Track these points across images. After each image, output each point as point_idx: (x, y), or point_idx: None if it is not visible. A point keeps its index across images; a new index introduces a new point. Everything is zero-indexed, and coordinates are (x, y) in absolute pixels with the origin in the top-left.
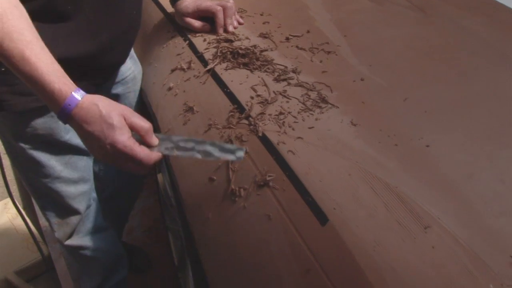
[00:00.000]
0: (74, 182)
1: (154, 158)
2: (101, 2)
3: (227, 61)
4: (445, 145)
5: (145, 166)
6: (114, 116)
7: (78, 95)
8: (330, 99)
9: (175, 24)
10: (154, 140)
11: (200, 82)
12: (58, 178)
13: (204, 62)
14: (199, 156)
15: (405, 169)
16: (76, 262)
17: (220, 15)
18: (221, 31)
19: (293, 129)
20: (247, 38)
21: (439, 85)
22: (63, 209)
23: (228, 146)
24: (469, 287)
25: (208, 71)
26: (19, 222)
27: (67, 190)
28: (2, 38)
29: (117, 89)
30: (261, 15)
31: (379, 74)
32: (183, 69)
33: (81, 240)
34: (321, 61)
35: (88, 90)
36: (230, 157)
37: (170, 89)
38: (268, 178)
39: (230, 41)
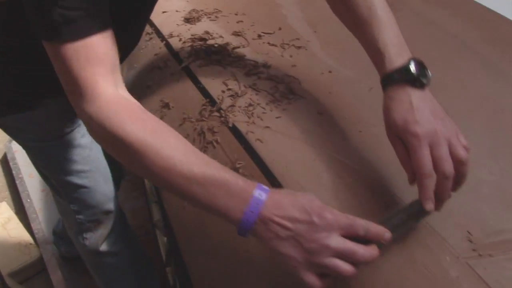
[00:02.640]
0: (104, 179)
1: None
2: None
3: (201, 59)
4: None
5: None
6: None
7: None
8: (298, 91)
9: (153, 26)
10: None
11: (176, 79)
12: (86, 171)
13: (180, 60)
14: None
15: (367, 153)
16: (104, 278)
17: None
18: (430, 206)
19: (261, 119)
20: (220, 36)
21: None
22: (97, 208)
23: (416, 209)
24: (426, 259)
25: (183, 68)
26: (11, 226)
27: (99, 186)
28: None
29: None
30: (236, 14)
31: (347, 66)
32: (160, 68)
33: (116, 245)
34: (291, 56)
35: None
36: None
37: (148, 87)
38: (237, 166)
39: (204, 39)
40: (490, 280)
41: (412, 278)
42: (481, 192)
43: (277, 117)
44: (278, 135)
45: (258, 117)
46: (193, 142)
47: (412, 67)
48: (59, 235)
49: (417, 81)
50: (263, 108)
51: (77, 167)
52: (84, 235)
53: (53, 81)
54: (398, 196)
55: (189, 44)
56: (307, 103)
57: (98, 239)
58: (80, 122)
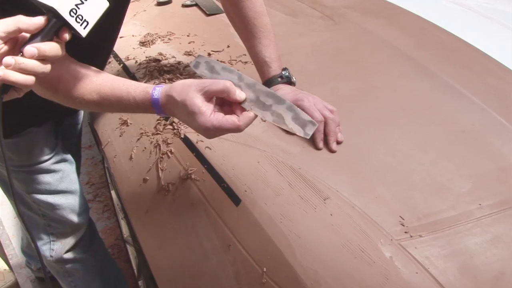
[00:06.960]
0: (75, 196)
1: (244, 123)
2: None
3: (154, 78)
4: (344, 128)
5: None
6: (189, 102)
7: (156, 93)
8: None
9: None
10: (240, 95)
11: None
12: (60, 192)
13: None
14: (270, 119)
15: (307, 154)
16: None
17: (321, 128)
18: (320, 145)
19: None
20: (173, 57)
21: (341, 81)
22: (68, 223)
23: (303, 116)
24: (362, 244)
25: None
26: None
27: (71, 203)
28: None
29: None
30: (188, 36)
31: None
32: None
33: (81, 253)
34: (238, 70)
35: None
36: (298, 131)
37: None
38: (190, 172)
39: (158, 60)
40: (420, 257)
41: (349, 260)
42: (412, 181)
43: None
44: (226, 142)
45: None
46: (149, 153)
47: (287, 73)
48: (28, 254)
49: (291, 82)
50: None
51: (51, 188)
52: (52, 246)
53: (38, 111)
54: (334, 187)
55: (144, 65)
56: None
57: (63, 247)
58: (57, 150)
